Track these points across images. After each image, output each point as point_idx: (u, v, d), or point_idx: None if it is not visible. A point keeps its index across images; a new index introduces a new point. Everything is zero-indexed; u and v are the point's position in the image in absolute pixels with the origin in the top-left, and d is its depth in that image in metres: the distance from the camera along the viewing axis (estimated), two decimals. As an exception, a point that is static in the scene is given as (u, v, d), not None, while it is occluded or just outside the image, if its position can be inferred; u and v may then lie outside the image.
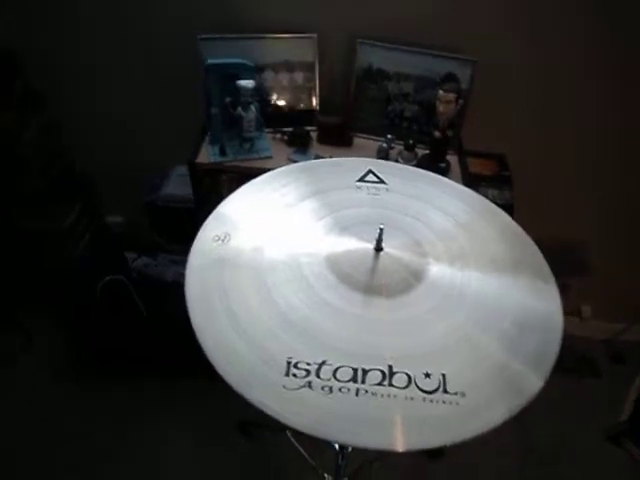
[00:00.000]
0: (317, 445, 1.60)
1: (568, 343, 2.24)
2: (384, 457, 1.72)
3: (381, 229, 0.90)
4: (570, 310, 2.18)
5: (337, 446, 1.38)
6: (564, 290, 2.30)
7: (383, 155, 1.55)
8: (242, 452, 1.83)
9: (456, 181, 1.48)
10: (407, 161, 1.55)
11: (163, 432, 1.87)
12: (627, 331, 2.26)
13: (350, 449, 1.42)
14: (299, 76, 1.64)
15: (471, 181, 1.57)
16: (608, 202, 1.91)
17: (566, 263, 2.09)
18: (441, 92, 1.46)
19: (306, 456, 1.65)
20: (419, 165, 1.52)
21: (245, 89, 1.45)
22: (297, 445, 1.68)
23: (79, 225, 2.10)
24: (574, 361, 2.16)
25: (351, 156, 1.26)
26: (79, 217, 2.10)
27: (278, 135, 1.64)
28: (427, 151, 1.58)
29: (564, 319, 2.13)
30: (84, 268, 1.98)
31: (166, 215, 1.91)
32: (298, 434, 1.63)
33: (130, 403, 1.94)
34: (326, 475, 1.56)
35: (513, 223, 1.06)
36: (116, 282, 1.83)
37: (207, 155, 1.55)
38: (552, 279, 0.93)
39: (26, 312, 2.11)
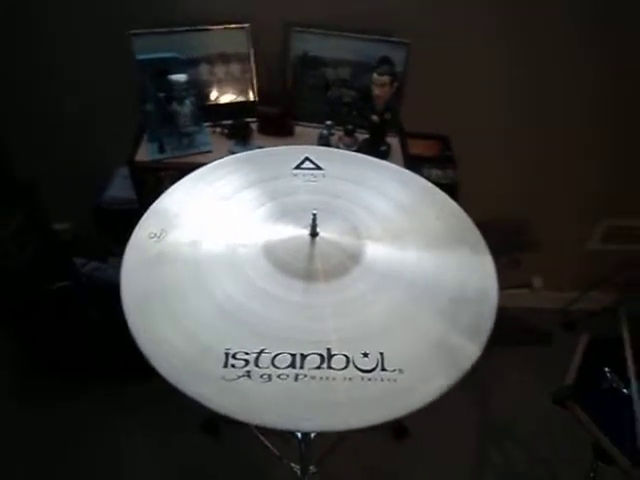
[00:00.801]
0: (282, 436, 1.61)
1: (519, 316, 2.32)
2: (348, 441, 1.74)
3: (314, 214, 0.90)
4: (522, 284, 2.24)
5: (299, 434, 1.38)
6: (514, 265, 2.38)
7: (324, 142, 1.55)
8: (207, 450, 1.83)
9: (398, 163, 1.51)
10: (348, 146, 1.55)
11: (126, 436, 1.85)
12: (579, 300, 2.34)
13: (312, 437, 1.43)
14: (235, 68, 1.62)
15: (413, 163, 1.59)
16: (550, 173, 1.96)
17: (516, 239, 2.16)
18: (375, 75, 1.46)
19: (271, 447, 1.65)
20: (360, 150, 1.53)
21: (178, 83, 1.43)
22: (262, 437, 1.68)
23: (23, 232, 2.03)
24: (526, 332, 2.23)
25: (293, 145, 1.26)
26: (22, 224, 2.03)
27: (218, 129, 1.62)
28: (367, 135, 1.59)
29: (515, 293, 2.20)
30: (30, 276, 1.93)
31: (112, 218, 1.87)
32: (262, 427, 1.63)
33: (87, 409, 1.91)
34: (292, 464, 1.57)
35: (451, 202, 1.08)
36: (65, 289, 1.79)
37: (146, 153, 1.52)
38: (487, 253, 0.94)
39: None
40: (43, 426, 1.88)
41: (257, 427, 1.66)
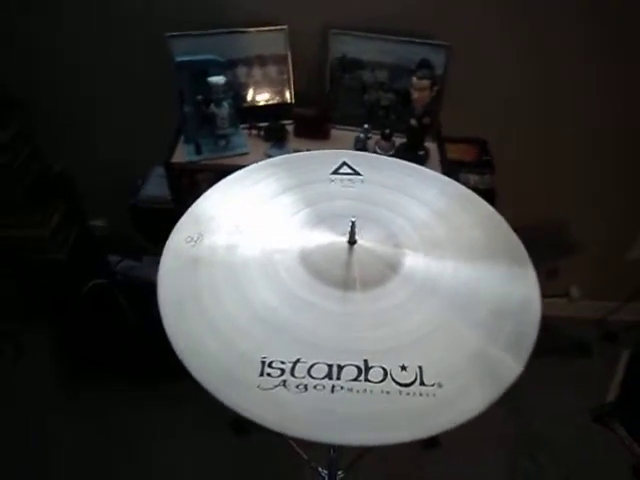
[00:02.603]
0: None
1: (558, 325, 2.26)
2: (377, 449, 1.71)
3: (353, 222, 0.89)
4: (559, 293, 2.18)
5: (330, 441, 1.37)
6: (551, 274, 2.32)
7: (360, 145, 1.54)
8: (236, 450, 1.83)
9: (435, 168, 1.48)
10: (385, 151, 1.53)
11: (156, 435, 1.86)
12: (619, 310, 2.27)
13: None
14: (272, 70, 1.62)
15: (451, 168, 1.56)
16: (590, 181, 1.91)
17: (552, 247, 2.11)
18: (414, 79, 1.44)
19: (299, 451, 1.65)
20: (397, 154, 1.51)
21: (216, 85, 1.43)
22: (290, 440, 1.68)
23: (62, 230, 2.08)
24: (565, 343, 2.17)
25: (329, 148, 1.25)
26: (61, 222, 2.08)
27: (254, 131, 1.62)
28: (405, 140, 1.57)
29: (552, 302, 2.15)
30: (67, 274, 1.97)
31: (148, 216, 1.90)
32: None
33: (122, 406, 1.94)
34: (320, 469, 1.56)
35: (490, 209, 1.05)
36: (100, 286, 1.82)
37: (183, 154, 1.53)
38: (529, 264, 0.91)
39: (11, 321, 2.09)
40: (81, 418, 1.93)
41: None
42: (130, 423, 1.90)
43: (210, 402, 0.69)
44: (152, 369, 1.89)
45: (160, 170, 1.87)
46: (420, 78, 1.44)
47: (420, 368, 0.74)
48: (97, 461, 1.80)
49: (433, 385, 0.72)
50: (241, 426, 1.86)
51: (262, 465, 1.82)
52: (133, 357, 1.90)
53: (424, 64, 1.48)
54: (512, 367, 0.75)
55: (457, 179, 1.14)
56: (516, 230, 0.98)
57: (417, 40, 1.52)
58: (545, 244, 1.96)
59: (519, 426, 1.89)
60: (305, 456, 1.63)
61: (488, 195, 1.60)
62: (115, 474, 1.78)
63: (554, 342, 2.11)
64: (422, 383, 0.72)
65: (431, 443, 1.85)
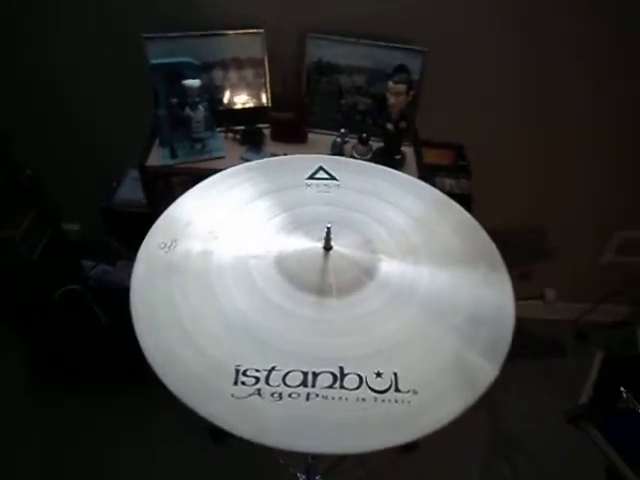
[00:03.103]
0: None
1: (533, 328, 2.28)
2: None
3: (328, 228, 0.88)
4: (534, 295, 2.21)
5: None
6: (526, 277, 2.34)
7: (337, 150, 1.54)
8: (214, 456, 1.81)
9: (412, 173, 1.49)
10: (362, 155, 1.54)
11: (131, 440, 1.84)
12: (591, 312, 2.30)
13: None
14: (249, 73, 1.61)
15: (427, 172, 1.57)
16: (565, 185, 1.94)
17: (527, 250, 2.13)
18: (391, 84, 1.45)
19: (277, 456, 1.64)
20: (374, 159, 1.51)
21: (191, 88, 1.42)
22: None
23: (33, 233, 2.04)
24: (539, 345, 2.20)
25: (306, 152, 1.24)
26: (33, 225, 2.03)
27: (230, 134, 1.61)
28: (382, 144, 1.57)
29: (528, 305, 2.16)
30: (39, 277, 1.93)
31: (123, 220, 1.87)
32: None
33: (93, 412, 1.90)
34: (299, 474, 1.55)
35: (466, 214, 1.05)
36: (72, 291, 1.79)
37: (158, 157, 1.51)
38: (504, 270, 0.92)
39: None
40: (51, 425, 1.89)
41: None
42: (101, 428, 1.87)
43: (184, 409, 0.68)
44: (125, 374, 1.86)
45: (135, 173, 1.84)
46: (396, 82, 1.44)
47: (395, 375, 0.74)
48: (66, 466, 1.77)
49: (408, 392, 0.72)
50: (219, 433, 1.84)
51: (241, 470, 1.80)
52: (106, 362, 1.87)
53: (401, 69, 1.49)
54: (488, 372, 0.75)
55: (433, 183, 1.15)
56: (492, 234, 0.98)
57: (394, 45, 1.53)
58: (520, 248, 1.98)
59: (495, 428, 1.91)
60: (282, 461, 1.62)
61: (464, 199, 1.61)
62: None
63: (529, 344, 2.14)
64: (397, 390, 0.72)
65: (409, 446, 1.85)
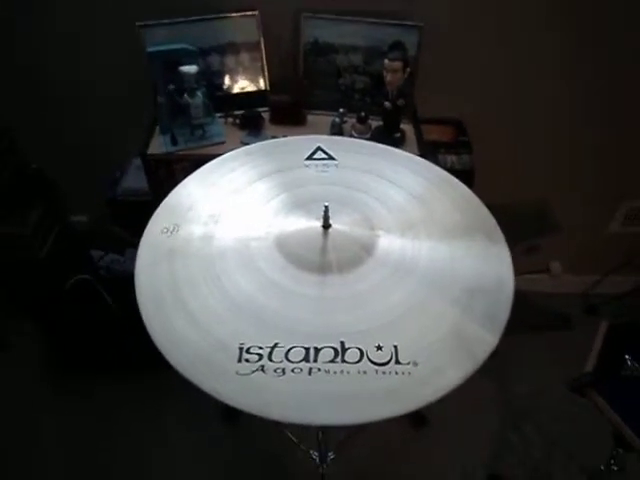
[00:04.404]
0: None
1: (539, 301, 2.28)
2: (366, 429, 1.74)
3: (326, 206, 0.90)
4: (540, 269, 2.21)
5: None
6: (533, 250, 2.33)
7: (336, 130, 1.54)
8: (226, 437, 1.85)
9: (412, 150, 1.49)
10: (361, 134, 1.54)
11: (144, 425, 1.87)
12: (600, 284, 2.30)
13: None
14: (245, 57, 1.60)
15: (428, 149, 1.57)
16: (567, 157, 1.92)
17: (533, 224, 2.13)
18: (386, 61, 1.44)
19: (289, 435, 1.67)
20: (373, 137, 1.51)
21: (188, 75, 1.42)
22: (280, 425, 1.70)
23: (43, 227, 2.07)
24: (546, 318, 2.20)
25: (305, 134, 1.25)
26: (42, 219, 2.06)
27: (230, 119, 1.61)
28: (381, 122, 1.57)
29: (534, 278, 2.16)
30: (50, 270, 1.96)
31: (128, 209, 1.88)
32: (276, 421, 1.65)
33: (108, 402, 1.94)
34: (311, 451, 1.58)
35: (466, 189, 1.06)
36: (83, 281, 1.82)
37: (159, 145, 1.52)
38: (503, 242, 0.93)
39: (-5, 319, 2.10)
40: (69, 410, 1.93)
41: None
42: (117, 416, 1.90)
43: (195, 391, 0.70)
44: (137, 361, 1.89)
45: (137, 162, 1.86)
46: (392, 60, 1.43)
47: (395, 347, 0.75)
48: (84, 456, 1.81)
49: (409, 364, 0.74)
50: (231, 414, 1.88)
51: (253, 451, 1.84)
52: (117, 348, 1.91)
53: (396, 46, 1.48)
54: (487, 342, 0.77)
55: (435, 160, 1.15)
56: (496, 210, 0.99)
57: (389, 21, 1.52)
58: (525, 222, 1.98)
59: (504, 399, 1.93)
60: (295, 439, 1.66)
61: (466, 175, 1.62)
62: (104, 467, 1.78)
63: (537, 317, 2.15)
64: (398, 362, 0.74)
65: (419, 422, 1.88)
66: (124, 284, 1.78)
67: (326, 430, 1.45)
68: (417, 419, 1.89)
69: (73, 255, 2.00)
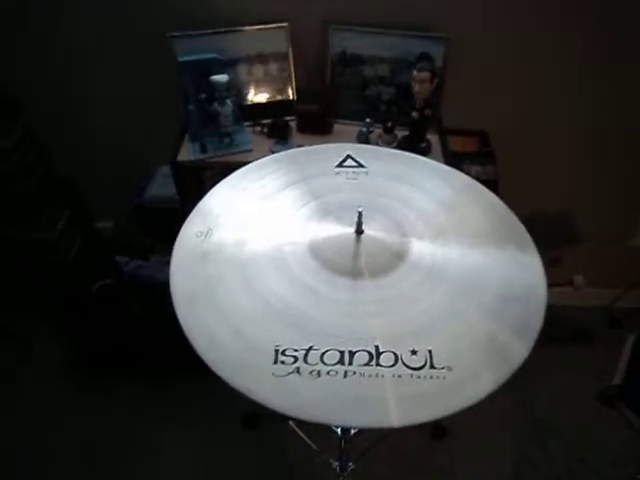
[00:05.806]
0: (320, 432, 1.62)
1: (562, 314, 2.26)
2: (387, 440, 1.74)
3: (360, 212, 0.91)
4: (563, 281, 2.19)
5: (339, 431, 1.39)
6: (555, 263, 2.32)
7: (363, 139, 1.55)
8: (246, 445, 1.85)
9: (437, 160, 1.49)
10: (387, 144, 1.55)
11: (166, 431, 1.88)
12: (623, 298, 2.28)
13: (352, 434, 1.44)
14: (273, 67, 1.63)
15: (453, 159, 1.58)
16: (591, 169, 1.92)
17: (555, 236, 2.12)
18: (415, 71, 1.45)
19: (310, 443, 1.67)
20: (399, 147, 1.52)
21: (219, 84, 1.45)
22: (300, 433, 1.70)
23: (69, 232, 2.10)
24: (569, 331, 2.18)
25: (332, 143, 1.26)
26: (68, 224, 2.10)
27: (258, 128, 1.64)
28: (407, 132, 1.58)
29: (557, 291, 2.14)
30: (76, 275, 1.99)
31: (154, 216, 1.91)
32: (301, 422, 1.66)
33: (130, 405, 1.96)
34: (331, 460, 1.58)
35: (494, 198, 1.07)
36: (108, 287, 1.84)
37: (188, 153, 1.55)
38: (534, 250, 0.93)
39: (21, 322, 2.13)
40: (91, 410, 1.95)
41: (295, 422, 1.70)
42: (140, 421, 1.92)
43: (223, 396, 0.71)
44: (161, 367, 1.91)
45: (164, 170, 1.89)
46: (420, 70, 1.45)
47: (430, 352, 0.76)
48: (106, 457, 1.83)
49: (443, 368, 0.74)
50: (252, 421, 1.88)
51: (273, 459, 1.84)
52: (142, 354, 1.93)
53: (424, 57, 1.49)
54: (519, 349, 0.77)
55: (460, 170, 1.15)
56: (519, 219, 0.99)
57: (416, 33, 1.54)
58: (549, 233, 1.97)
59: (526, 414, 1.91)
60: (316, 447, 1.66)
61: (490, 185, 1.60)
62: (123, 469, 1.80)
63: (559, 330, 2.13)
64: (432, 366, 0.74)
65: (440, 432, 1.87)
66: (149, 289, 1.83)
67: (348, 440, 1.44)
68: (438, 430, 1.87)
69: (99, 260, 2.04)
